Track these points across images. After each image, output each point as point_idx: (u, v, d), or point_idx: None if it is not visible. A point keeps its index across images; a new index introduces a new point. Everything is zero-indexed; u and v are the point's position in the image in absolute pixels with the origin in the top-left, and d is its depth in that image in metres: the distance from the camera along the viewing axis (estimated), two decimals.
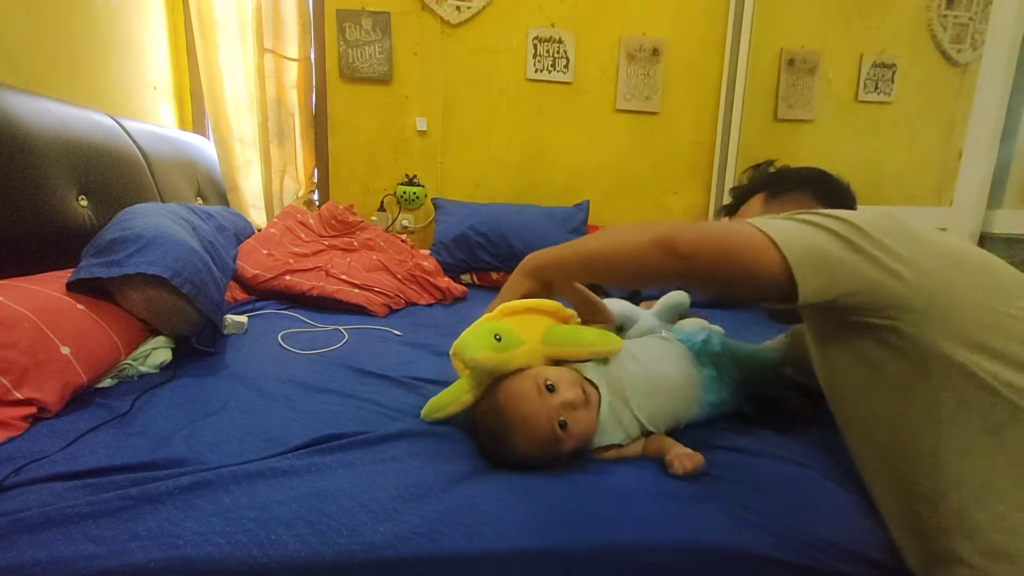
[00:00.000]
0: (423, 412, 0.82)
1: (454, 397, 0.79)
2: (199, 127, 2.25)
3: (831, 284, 0.56)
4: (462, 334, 0.77)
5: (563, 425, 0.69)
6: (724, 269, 0.60)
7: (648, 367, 0.81)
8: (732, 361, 0.87)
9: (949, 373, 0.53)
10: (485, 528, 0.60)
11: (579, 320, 0.89)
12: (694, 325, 0.98)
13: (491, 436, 0.73)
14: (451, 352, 0.81)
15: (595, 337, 0.80)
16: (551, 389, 0.71)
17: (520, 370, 0.75)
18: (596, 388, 0.76)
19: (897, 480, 0.59)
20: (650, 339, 0.93)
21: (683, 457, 0.70)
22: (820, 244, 0.57)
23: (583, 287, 0.90)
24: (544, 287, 0.84)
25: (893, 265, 0.55)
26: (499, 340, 0.73)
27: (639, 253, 0.66)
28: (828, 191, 0.93)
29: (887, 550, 0.61)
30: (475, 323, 0.80)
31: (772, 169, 1.02)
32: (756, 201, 0.98)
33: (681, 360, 0.85)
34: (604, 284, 0.94)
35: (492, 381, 0.76)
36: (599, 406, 0.75)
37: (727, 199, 1.07)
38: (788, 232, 0.59)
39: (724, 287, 0.64)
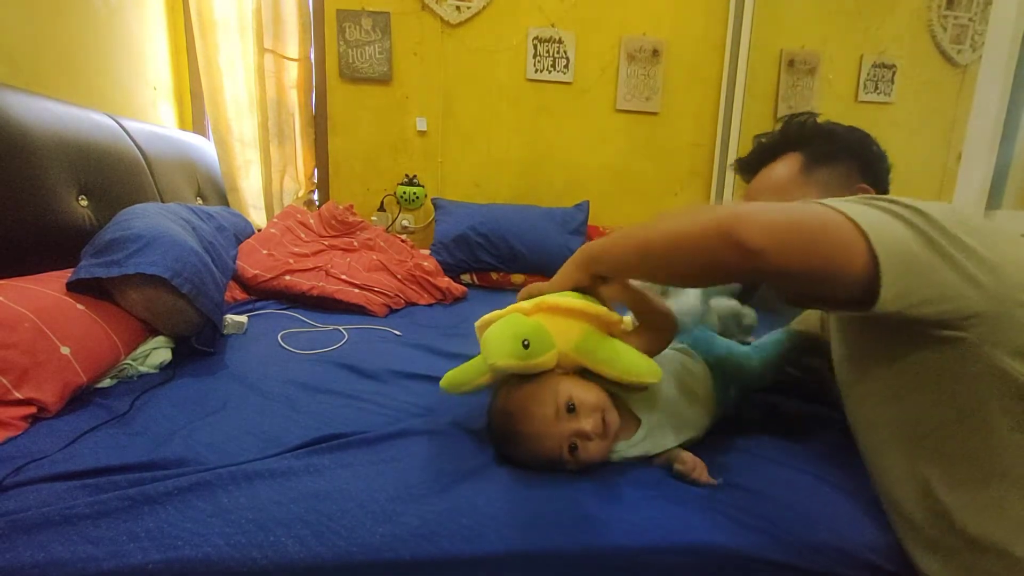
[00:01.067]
0: (442, 383, 0.79)
1: (470, 377, 0.76)
2: (199, 127, 2.25)
3: (911, 291, 0.48)
4: (491, 327, 0.71)
5: (573, 449, 0.67)
6: (803, 266, 0.49)
7: (681, 387, 0.79)
8: (715, 362, 0.85)
9: (997, 381, 0.50)
10: (485, 529, 0.60)
11: (629, 327, 0.77)
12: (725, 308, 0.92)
13: (499, 436, 0.73)
14: (476, 326, 0.79)
15: (632, 363, 0.70)
16: (571, 410, 0.67)
17: (545, 373, 0.71)
18: (636, 416, 0.73)
19: (924, 465, 0.56)
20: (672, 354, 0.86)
21: (702, 469, 0.70)
22: (907, 241, 0.48)
23: (640, 285, 0.75)
24: (597, 282, 0.73)
25: (972, 270, 0.48)
26: (527, 347, 0.67)
27: (698, 243, 0.53)
28: (870, 162, 0.78)
29: (885, 554, 0.61)
30: (507, 313, 0.74)
31: (812, 124, 0.81)
32: (788, 163, 0.79)
33: (700, 375, 0.82)
34: (669, 284, 0.76)
35: (511, 377, 0.73)
36: (634, 431, 0.73)
37: (745, 150, 0.88)
38: (877, 223, 0.49)
39: (794, 286, 0.56)
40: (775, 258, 0.49)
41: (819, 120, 0.82)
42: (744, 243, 0.49)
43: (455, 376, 0.78)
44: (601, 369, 0.70)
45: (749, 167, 0.85)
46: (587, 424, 0.67)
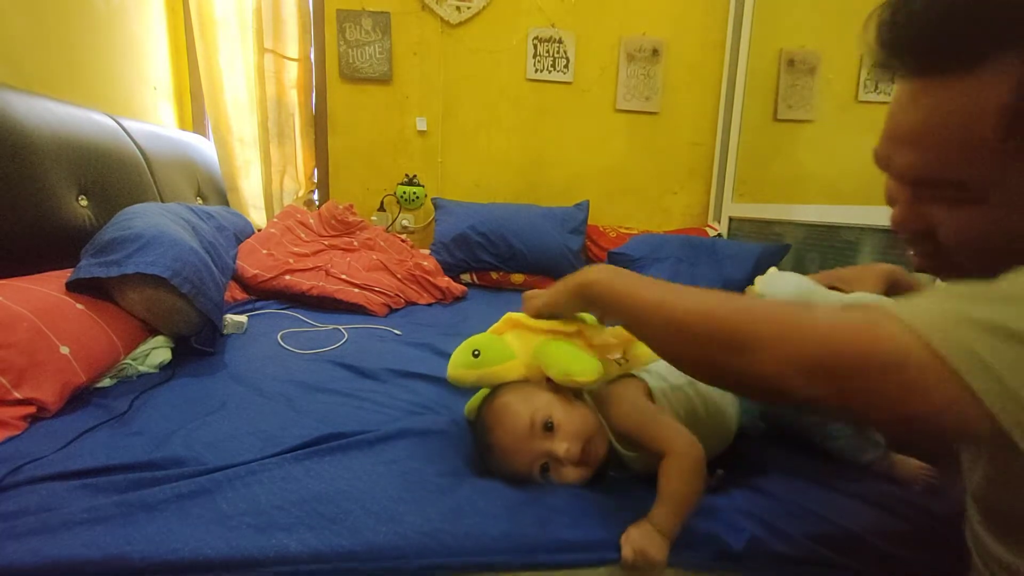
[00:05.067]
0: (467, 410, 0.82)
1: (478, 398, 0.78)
2: (199, 127, 2.25)
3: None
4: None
5: (544, 470, 0.65)
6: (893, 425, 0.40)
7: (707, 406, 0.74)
8: None
9: None
10: (489, 527, 0.60)
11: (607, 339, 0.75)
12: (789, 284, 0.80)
13: (477, 446, 0.72)
14: None
15: (567, 364, 0.67)
16: (548, 428, 0.65)
17: (529, 386, 0.70)
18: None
19: None
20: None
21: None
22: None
23: None
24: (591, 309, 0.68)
25: None
26: (476, 356, 0.71)
27: (738, 372, 0.43)
28: None
29: (890, 538, 0.61)
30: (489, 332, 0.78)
31: None
32: (996, 80, 0.38)
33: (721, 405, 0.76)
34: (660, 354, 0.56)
35: (497, 387, 0.73)
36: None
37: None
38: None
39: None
40: (840, 417, 0.41)
41: None
42: (795, 396, 0.40)
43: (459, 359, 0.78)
44: (547, 373, 0.69)
45: (928, 49, 0.41)
46: (561, 448, 0.63)
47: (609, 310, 0.57)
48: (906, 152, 0.44)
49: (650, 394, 0.72)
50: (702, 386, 0.73)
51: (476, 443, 0.72)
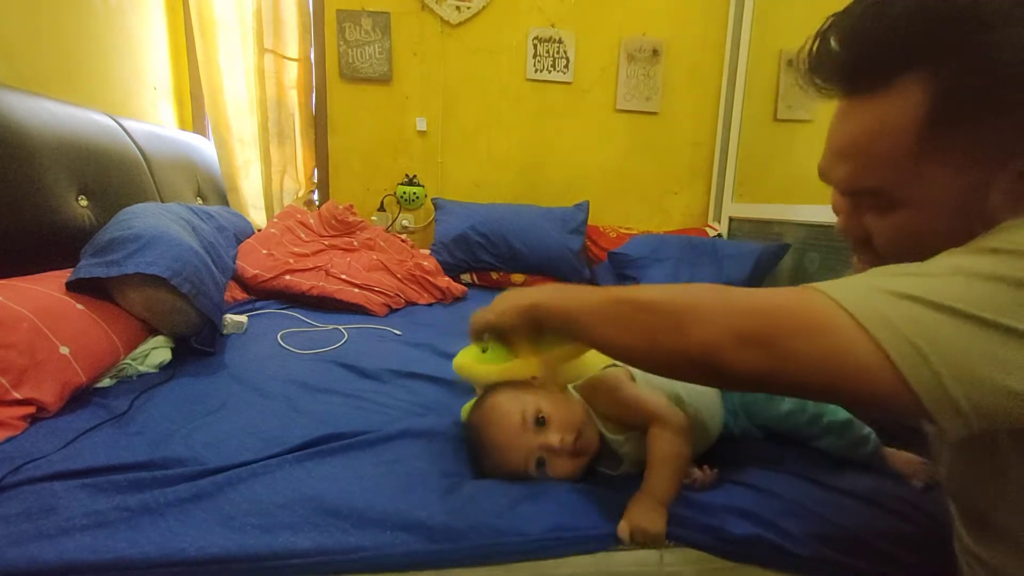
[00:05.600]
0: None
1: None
2: (199, 127, 2.25)
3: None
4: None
5: (540, 464, 0.66)
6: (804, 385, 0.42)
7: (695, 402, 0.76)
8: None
9: None
10: (493, 521, 0.60)
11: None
12: None
13: (471, 450, 0.72)
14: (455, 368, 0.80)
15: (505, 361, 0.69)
16: (540, 423, 0.66)
17: (516, 387, 0.70)
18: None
19: None
20: None
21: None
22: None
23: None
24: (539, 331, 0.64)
25: None
26: (484, 352, 0.71)
27: (671, 357, 0.46)
28: None
29: (894, 540, 0.61)
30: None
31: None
32: (906, 97, 0.43)
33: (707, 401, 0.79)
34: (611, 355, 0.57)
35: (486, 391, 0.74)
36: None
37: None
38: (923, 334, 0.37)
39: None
40: (771, 389, 0.44)
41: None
42: (723, 373, 0.42)
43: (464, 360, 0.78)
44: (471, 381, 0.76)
45: (849, 73, 0.46)
46: (555, 439, 0.65)
47: (556, 326, 0.58)
48: (840, 165, 0.48)
49: (632, 379, 0.75)
50: (679, 386, 0.75)
51: (469, 447, 0.73)
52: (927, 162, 0.43)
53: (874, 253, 0.50)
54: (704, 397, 0.77)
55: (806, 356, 0.40)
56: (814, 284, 0.43)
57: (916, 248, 0.45)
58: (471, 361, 0.74)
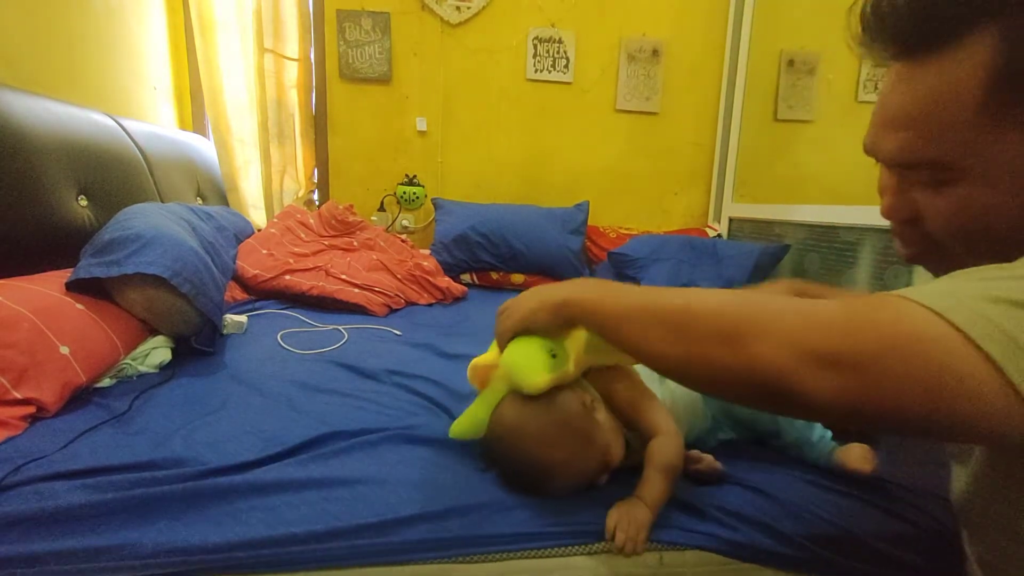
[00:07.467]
0: (452, 432, 0.73)
1: (483, 419, 0.70)
2: (199, 127, 2.25)
3: None
4: (511, 355, 0.64)
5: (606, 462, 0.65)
6: (928, 424, 0.35)
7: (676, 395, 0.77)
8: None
9: None
10: (496, 518, 0.60)
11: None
12: None
13: (523, 478, 0.65)
14: (473, 365, 0.75)
15: (516, 374, 0.64)
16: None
17: (551, 393, 0.64)
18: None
19: None
20: None
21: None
22: None
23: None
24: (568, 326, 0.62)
25: None
26: (555, 357, 0.63)
27: (733, 376, 0.39)
28: None
29: (892, 541, 0.61)
30: (492, 352, 0.72)
31: None
32: (972, 56, 0.39)
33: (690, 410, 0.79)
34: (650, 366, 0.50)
35: (503, 407, 0.67)
36: None
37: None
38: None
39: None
40: (859, 419, 0.35)
41: None
42: (804, 400, 0.36)
43: (467, 425, 0.72)
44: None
45: (913, 29, 0.41)
46: (615, 456, 0.65)
47: (587, 322, 0.54)
48: (890, 136, 0.44)
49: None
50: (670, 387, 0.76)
51: (522, 475, 0.65)
52: (993, 129, 0.39)
53: (921, 235, 0.46)
54: (688, 395, 0.78)
55: (905, 375, 0.34)
56: (887, 292, 0.38)
57: (975, 227, 0.41)
58: (533, 366, 0.62)
